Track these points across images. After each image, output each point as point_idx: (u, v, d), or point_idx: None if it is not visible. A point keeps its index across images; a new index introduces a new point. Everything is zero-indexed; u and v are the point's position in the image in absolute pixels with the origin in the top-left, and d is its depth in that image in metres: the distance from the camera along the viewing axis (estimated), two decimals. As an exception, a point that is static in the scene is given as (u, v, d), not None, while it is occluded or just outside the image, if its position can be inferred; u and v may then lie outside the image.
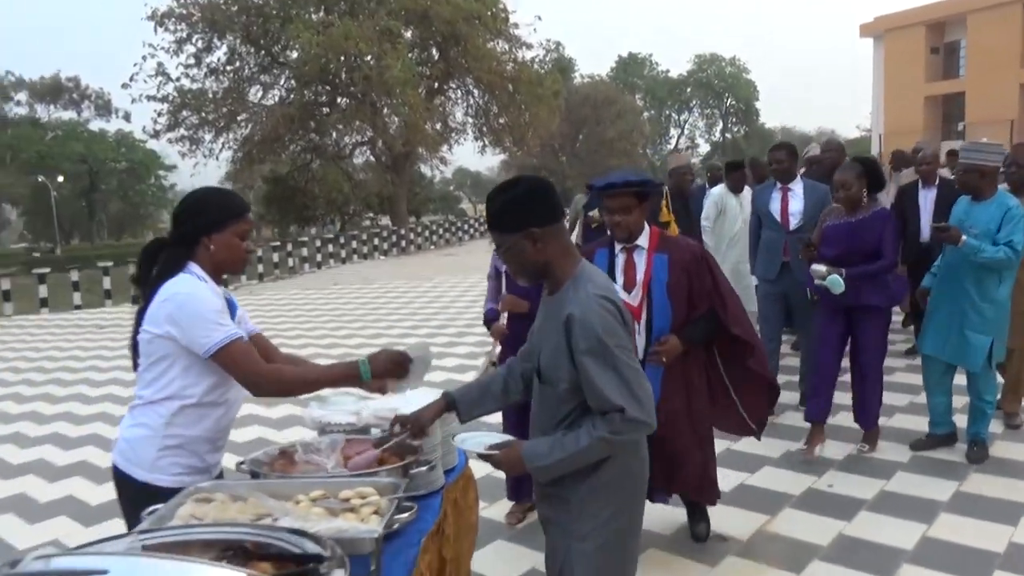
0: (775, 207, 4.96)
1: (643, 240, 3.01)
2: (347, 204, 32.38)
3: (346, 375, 2.12)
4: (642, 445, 2.05)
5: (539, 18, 29.25)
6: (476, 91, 28.61)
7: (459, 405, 2.14)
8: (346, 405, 2.39)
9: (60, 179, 43.12)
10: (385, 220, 32.05)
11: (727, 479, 3.86)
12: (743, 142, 56.15)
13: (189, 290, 2.00)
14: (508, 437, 2.13)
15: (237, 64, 25.43)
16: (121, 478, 2.09)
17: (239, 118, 25.30)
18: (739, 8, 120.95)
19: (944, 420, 4.32)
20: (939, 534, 3.33)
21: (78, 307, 14.63)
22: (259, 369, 2.03)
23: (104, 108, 47.47)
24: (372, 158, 28.25)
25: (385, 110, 24.73)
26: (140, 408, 2.09)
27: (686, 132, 60.14)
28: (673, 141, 59.69)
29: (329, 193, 30.46)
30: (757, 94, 56.66)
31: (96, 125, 46.79)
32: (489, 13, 26.02)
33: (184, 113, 25.01)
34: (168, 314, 1.99)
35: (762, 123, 58.45)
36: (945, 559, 3.11)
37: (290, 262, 19.23)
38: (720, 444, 4.01)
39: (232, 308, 2.19)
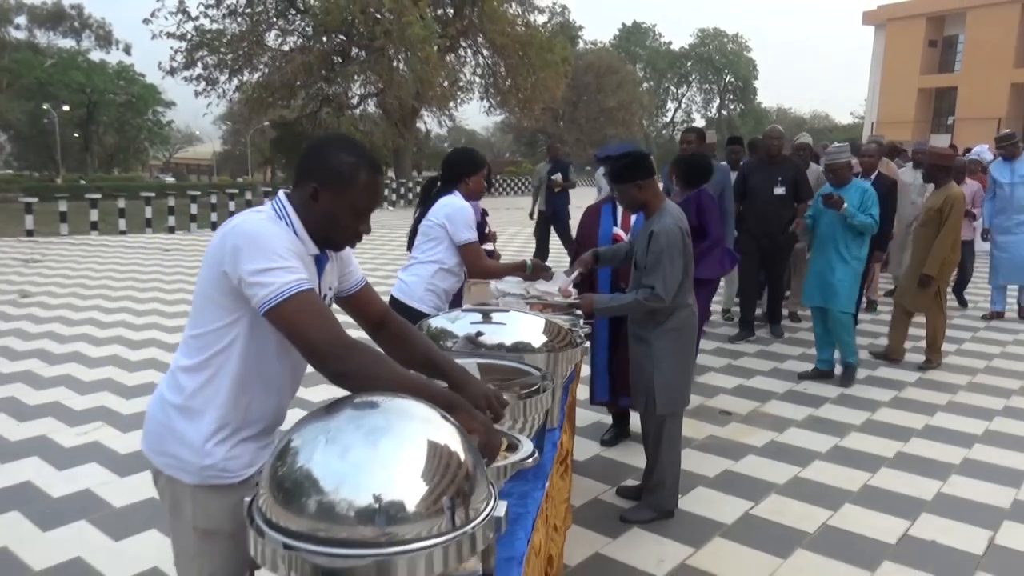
0: None
1: None
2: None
3: (515, 268, 3.59)
4: (693, 307, 3.41)
5: (554, -18, 29.73)
6: (486, 51, 29.12)
7: (600, 256, 3.62)
8: (518, 285, 3.64)
9: (66, 108, 42.94)
10: (389, 173, 32.64)
11: (713, 464, 4.15)
12: (738, 120, 56.97)
13: (458, 203, 3.55)
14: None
15: (257, 8, 25.72)
16: (399, 306, 3.46)
17: (258, 62, 25.67)
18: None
19: (826, 357, 5.72)
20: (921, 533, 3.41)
21: (123, 232, 15.52)
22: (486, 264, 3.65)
23: (105, 39, 47.06)
24: (380, 110, 28.72)
25: (400, 64, 25.23)
26: (416, 265, 3.58)
27: (683, 106, 60.80)
28: (670, 114, 60.34)
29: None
30: (756, 73, 57.35)
31: (96, 56, 46.49)
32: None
33: (201, 52, 25.34)
34: (446, 213, 3.52)
35: (759, 102, 59.23)
36: (926, 556, 3.21)
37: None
38: (704, 430, 4.56)
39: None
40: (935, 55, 38.04)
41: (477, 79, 30.44)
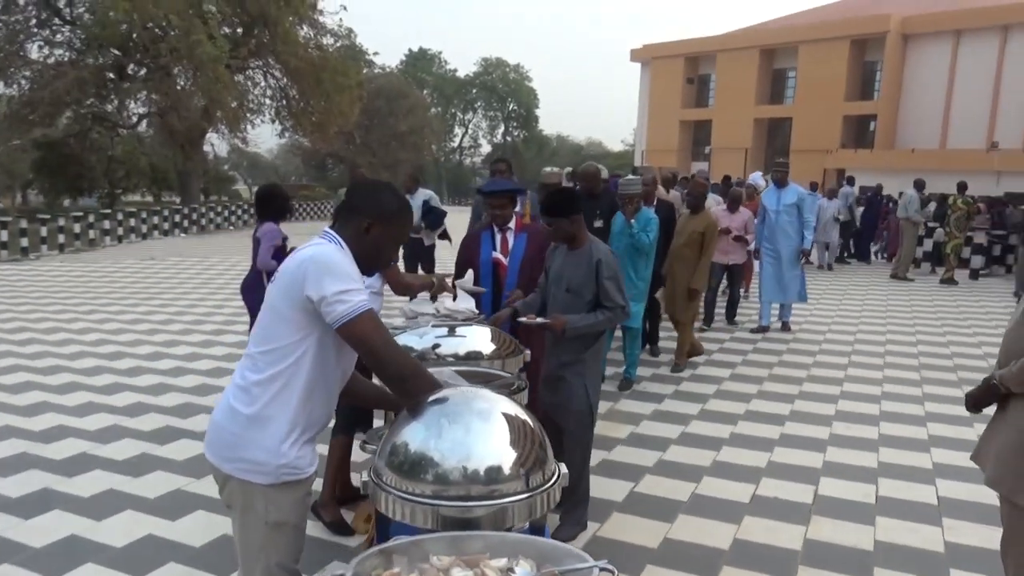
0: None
1: (512, 224, 4.63)
2: (130, 177, 30.65)
3: (426, 284, 3.97)
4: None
5: (344, 7, 29.61)
6: (278, 73, 28.49)
7: (520, 311, 3.85)
8: (427, 304, 3.82)
9: None
10: (168, 197, 30.72)
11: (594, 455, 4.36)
12: (522, 146, 59.93)
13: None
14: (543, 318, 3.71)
15: (13, 16, 23.28)
16: None
17: (17, 75, 23.20)
18: (526, 18, 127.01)
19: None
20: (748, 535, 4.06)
21: None
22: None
23: None
24: (162, 131, 27.03)
25: (187, 83, 23.99)
26: None
27: (470, 131, 62.83)
28: (458, 139, 62.07)
29: (109, 164, 28.70)
30: (537, 102, 60.65)
31: None
32: (298, -3, 26.11)
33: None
34: None
35: (540, 129, 62.65)
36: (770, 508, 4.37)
37: (60, 237, 17.15)
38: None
39: None
40: (693, 91, 42.62)
41: (268, 100, 29.64)
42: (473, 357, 3.05)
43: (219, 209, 25.28)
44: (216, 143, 31.48)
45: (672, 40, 42.81)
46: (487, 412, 1.88)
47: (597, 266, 3.66)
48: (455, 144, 62.30)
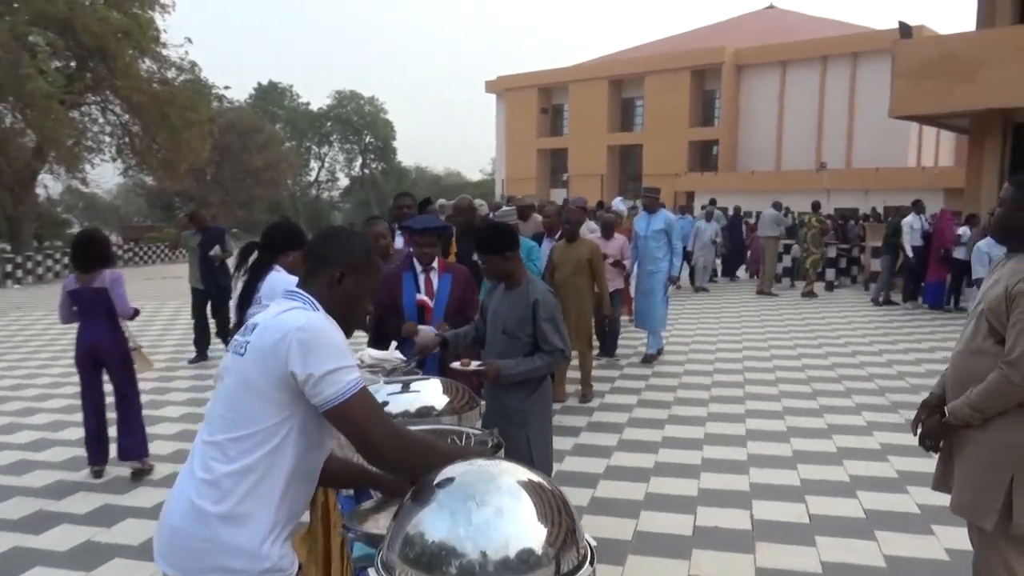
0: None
1: (435, 264, 4.33)
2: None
3: None
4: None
5: (189, 40, 28.05)
6: (119, 109, 26.70)
7: (449, 342, 3.62)
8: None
9: None
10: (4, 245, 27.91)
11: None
12: (381, 178, 59.28)
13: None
14: (479, 362, 3.47)
15: None
16: None
17: None
18: (379, 50, 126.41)
19: None
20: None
21: None
22: None
23: None
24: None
25: (15, 122, 21.95)
26: None
27: (327, 165, 61.51)
28: (314, 173, 60.58)
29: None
30: (394, 133, 60.27)
31: None
32: (139, 30, 24.65)
33: None
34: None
35: (399, 161, 62.26)
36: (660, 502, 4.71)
37: None
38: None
39: None
40: (547, 121, 43.84)
41: (107, 138, 27.66)
42: (425, 414, 2.81)
43: (57, 256, 23.16)
44: (50, 184, 28.93)
45: (525, 72, 43.89)
46: (515, 489, 1.66)
47: (534, 307, 3.45)
48: (312, 178, 60.76)
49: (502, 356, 3.49)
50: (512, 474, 1.72)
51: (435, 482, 1.65)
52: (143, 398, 5.47)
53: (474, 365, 3.40)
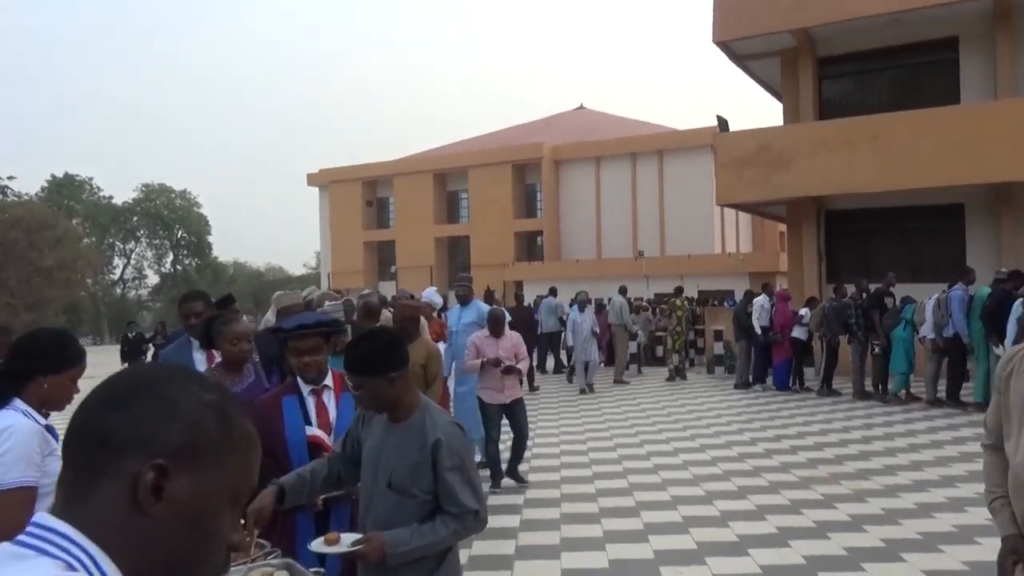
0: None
1: (329, 380, 3.13)
2: None
3: None
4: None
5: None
6: None
7: (287, 492, 2.55)
8: None
9: None
10: None
11: None
12: (196, 274, 55.84)
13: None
14: (357, 535, 2.46)
15: None
16: None
17: None
18: (190, 142, 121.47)
19: None
20: None
21: None
22: None
23: None
24: None
25: None
26: None
27: (133, 262, 57.20)
28: (119, 271, 56.06)
29: None
30: (209, 228, 57.39)
31: None
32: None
33: None
34: None
35: (215, 256, 59.11)
36: None
37: None
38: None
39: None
40: (373, 213, 43.38)
41: None
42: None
43: None
44: None
45: (349, 165, 43.49)
46: None
47: (434, 450, 2.40)
48: (116, 276, 56.11)
49: (388, 521, 2.42)
50: None
51: None
52: None
53: (345, 542, 2.41)
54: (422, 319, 7.22)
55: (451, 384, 7.53)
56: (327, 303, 7.96)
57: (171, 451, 0.83)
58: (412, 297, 8.93)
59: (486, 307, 7.85)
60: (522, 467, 7.24)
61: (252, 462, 0.91)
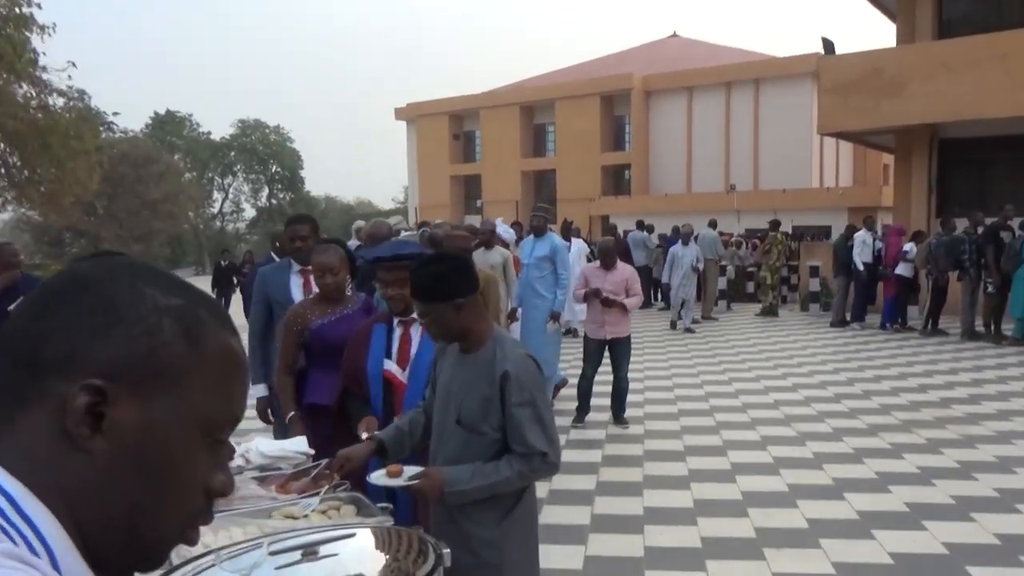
0: (296, 294, 3.97)
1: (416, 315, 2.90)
2: None
3: None
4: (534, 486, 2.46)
5: (73, 64, 26.07)
6: (-8, 138, 24.61)
7: (388, 447, 2.46)
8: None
9: None
10: None
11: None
12: (290, 207, 57.40)
13: None
14: (418, 468, 2.37)
15: None
16: None
17: None
18: (283, 78, 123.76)
19: None
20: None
21: None
22: None
23: None
24: None
25: None
26: None
27: (231, 196, 59.22)
28: (218, 204, 58.22)
29: None
30: (302, 163, 58.57)
31: None
32: (13, 52, 22.78)
33: None
34: None
35: (307, 191, 60.50)
36: None
37: None
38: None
39: None
40: (459, 147, 43.31)
41: (-20, 171, 25.46)
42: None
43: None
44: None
45: (436, 99, 43.30)
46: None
47: (503, 383, 2.23)
48: (215, 210, 58.31)
49: (457, 460, 2.29)
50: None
51: None
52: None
53: (406, 475, 2.29)
54: (509, 252, 7.17)
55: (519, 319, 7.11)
56: (403, 232, 7.95)
57: (111, 369, 0.64)
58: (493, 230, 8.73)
59: (560, 241, 7.48)
60: (603, 401, 6.96)
61: (232, 386, 0.71)
